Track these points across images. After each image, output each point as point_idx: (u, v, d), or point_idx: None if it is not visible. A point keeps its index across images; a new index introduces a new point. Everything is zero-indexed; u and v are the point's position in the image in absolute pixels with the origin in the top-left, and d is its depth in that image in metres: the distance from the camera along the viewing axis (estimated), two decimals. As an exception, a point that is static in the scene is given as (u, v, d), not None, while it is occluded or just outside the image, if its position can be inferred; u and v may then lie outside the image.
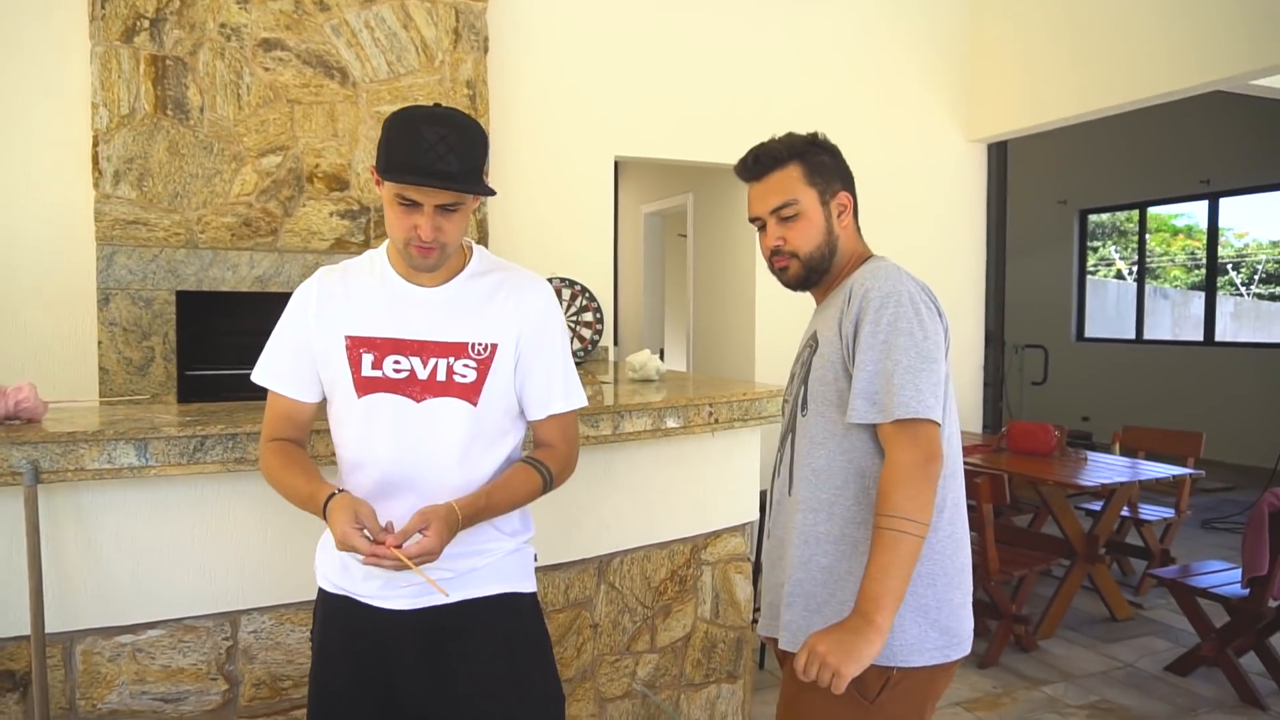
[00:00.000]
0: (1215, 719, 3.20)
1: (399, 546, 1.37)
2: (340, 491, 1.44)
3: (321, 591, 1.64)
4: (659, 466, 2.61)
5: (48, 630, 1.81)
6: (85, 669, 1.92)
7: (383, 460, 1.52)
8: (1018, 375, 7.95)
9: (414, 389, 1.50)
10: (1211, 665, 3.55)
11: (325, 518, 1.42)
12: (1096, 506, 4.55)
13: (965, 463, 4.04)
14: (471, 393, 1.51)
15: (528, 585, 1.65)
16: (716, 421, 2.61)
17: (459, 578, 1.53)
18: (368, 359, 1.50)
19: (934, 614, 1.47)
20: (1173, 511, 4.66)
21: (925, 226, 5.32)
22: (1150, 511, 4.74)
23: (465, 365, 1.51)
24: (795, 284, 1.65)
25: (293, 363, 1.56)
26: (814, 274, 1.62)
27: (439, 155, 1.38)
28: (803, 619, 1.53)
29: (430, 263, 1.48)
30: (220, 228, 3.52)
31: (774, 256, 1.63)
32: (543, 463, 1.57)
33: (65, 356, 3.23)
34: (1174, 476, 4.19)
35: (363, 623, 1.54)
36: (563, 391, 1.60)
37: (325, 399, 1.60)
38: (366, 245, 3.64)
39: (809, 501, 1.53)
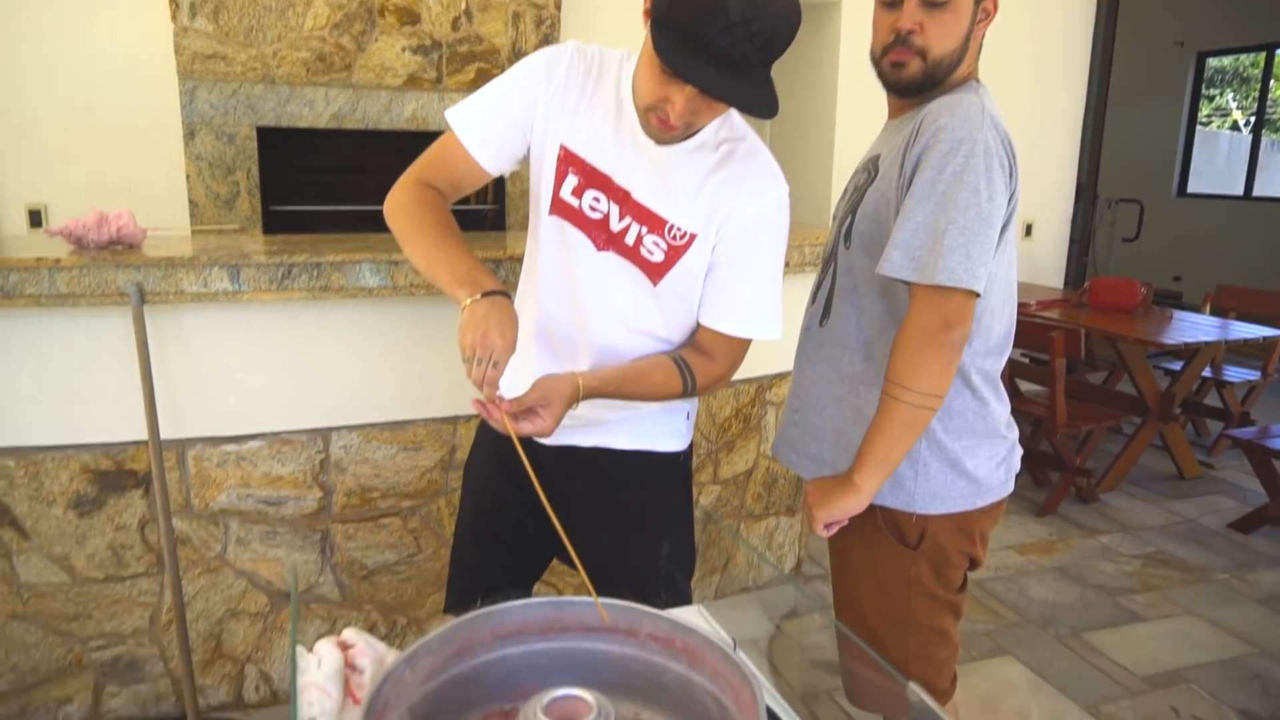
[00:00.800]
0: (1273, 575, 3.22)
1: (513, 417, 1.24)
2: (507, 294, 1.21)
3: None
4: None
5: (162, 437, 1.99)
6: (197, 472, 2.11)
7: (539, 291, 1.41)
8: (1108, 231, 7.59)
9: (600, 235, 1.35)
10: (1277, 524, 3.54)
11: (466, 306, 1.19)
12: (1177, 367, 4.44)
13: (1042, 317, 3.97)
14: (655, 273, 1.35)
15: (672, 444, 1.51)
16: (786, 266, 2.59)
17: (600, 428, 1.45)
18: (571, 182, 1.33)
19: (961, 465, 1.45)
20: (1258, 374, 4.52)
21: (1021, 65, 4.98)
22: (1234, 374, 4.60)
23: (656, 243, 1.33)
24: (906, 87, 1.40)
25: (498, 122, 1.35)
26: (930, 82, 1.38)
27: (735, 40, 1.10)
28: (831, 454, 1.51)
29: (665, 138, 1.28)
30: (296, 63, 3.51)
31: (896, 47, 1.37)
32: (690, 369, 1.37)
33: (156, 190, 3.35)
34: (1264, 338, 4.03)
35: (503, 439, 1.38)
36: (750, 315, 1.39)
37: (499, 175, 1.40)
38: (439, 83, 3.60)
39: (845, 338, 1.47)
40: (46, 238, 2.10)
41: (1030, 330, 3.59)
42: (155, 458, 1.84)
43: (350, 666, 1.08)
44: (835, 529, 1.47)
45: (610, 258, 1.35)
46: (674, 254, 1.33)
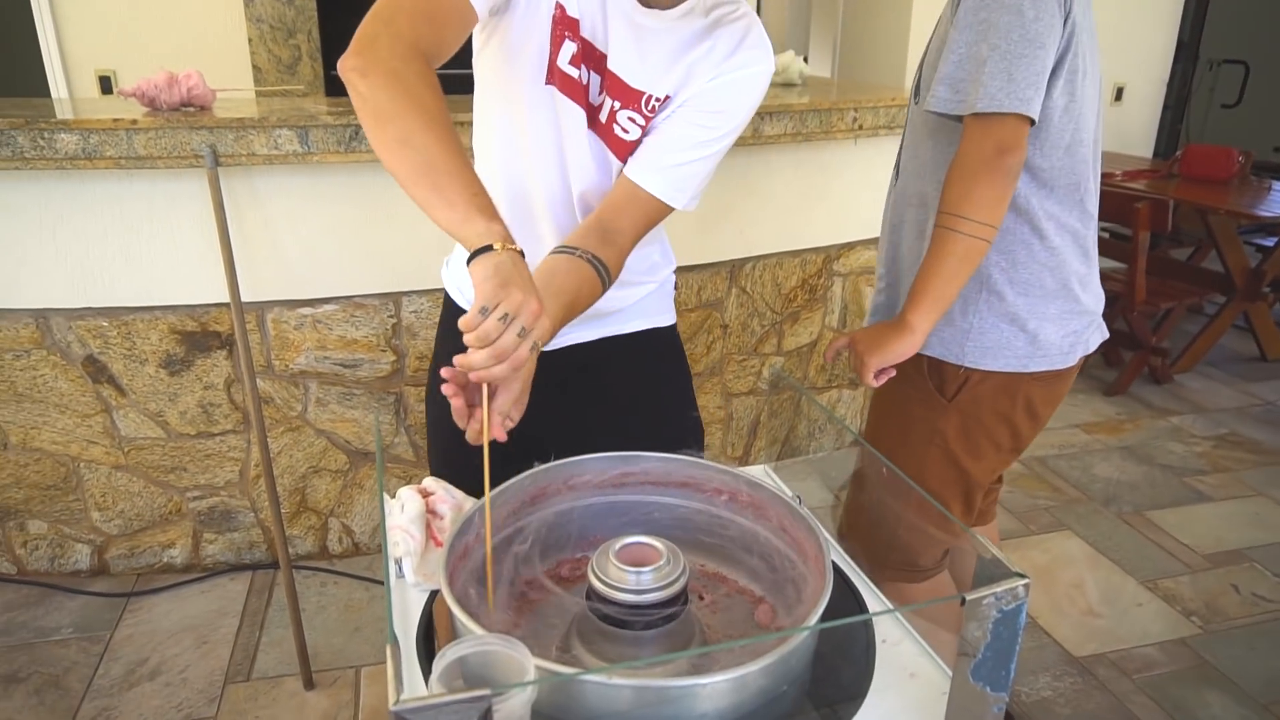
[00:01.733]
0: (1354, 457, 3.14)
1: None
2: (513, 248, 0.93)
3: (449, 301, 1.39)
4: (797, 174, 2.55)
5: (244, 300, 2.05)
6: (276, 334, 2.18)
7: (521, 170, 1.24)
8: (1206, 96, 7.07)
9: (591, 110, 1.20)
10: (1363, 407, 3.42)
11: (499, 251, 0.92)
12: (1270, 243, 4.20)
13: (1127, 188, 3.77)
14: (625, 151, 1.20)
15: (666, 318, 1.45)
16: (860, 128, 2.49)
17: (598, 320, 1.35)
18: (569, 49, 1.16)
19: (1022, 321, 1.39)
20: (1360, 251, 4.26)
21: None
22: (1333, 250, 4.34)
23: (631, 119, 1.18)
24: None
25: None
26: None
27: None
28: (900, 306, 1.46)
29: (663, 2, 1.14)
30: (351, -82, 3.40)
31: None
32: (605, 267, 1.17)
33: (220, 56, 3.34)
34: (1371, 212, 3.78)
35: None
36: (675, 178, 1.18)
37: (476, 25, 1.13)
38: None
39: (917, 195, 1.44)
40: (121, 100, 2.12)
41: (1114, 201, 3.41)
42: (237, 319, 1.91)
43: (431, 512, 1.13)
44: (885, 378, 1.42)
45: (594, 136, 1.19)
46: (649, 126, 1.19)
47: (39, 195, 1.96)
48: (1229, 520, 2.73)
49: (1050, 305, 1.41)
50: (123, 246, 2.04)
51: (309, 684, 1.97)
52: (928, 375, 1.44)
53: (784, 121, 2.35)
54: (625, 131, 1.18)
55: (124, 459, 2.24)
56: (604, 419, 1.37)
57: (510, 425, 1.02)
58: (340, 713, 1.90)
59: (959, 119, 1.31)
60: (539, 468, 1.13)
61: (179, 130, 1.87)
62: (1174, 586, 2.39)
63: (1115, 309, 3.76)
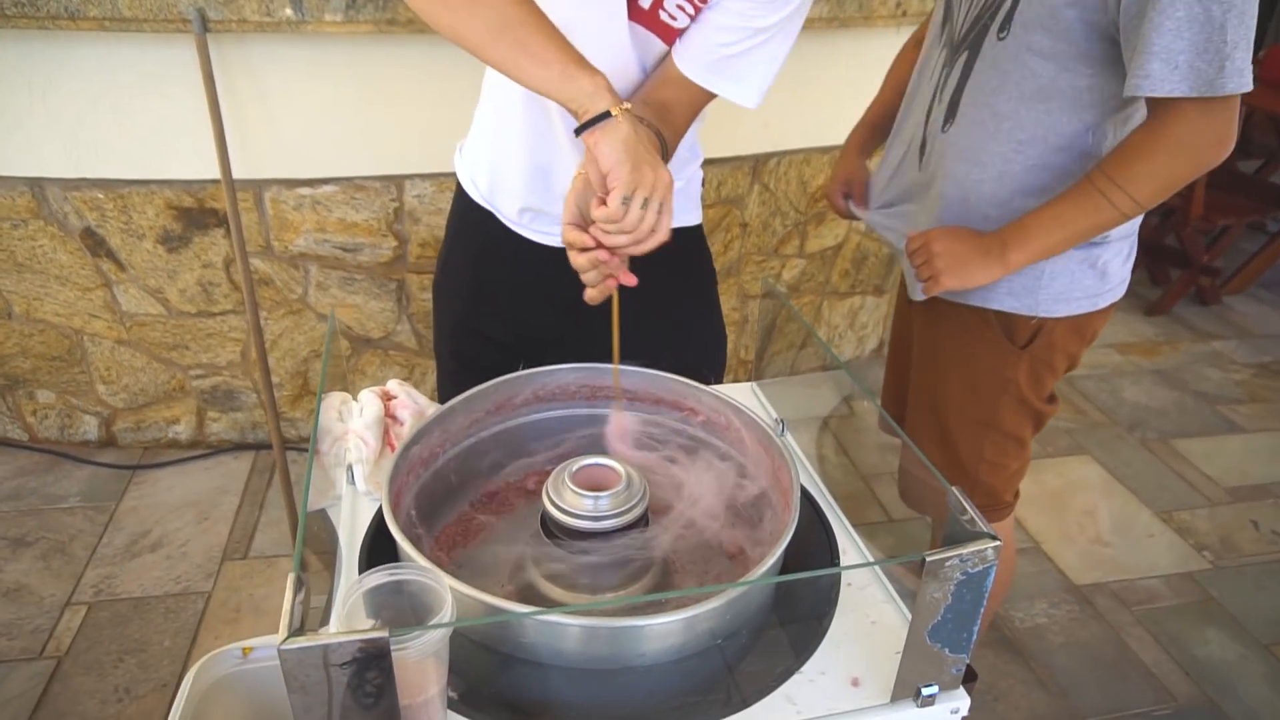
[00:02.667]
0: (1403, 393, 2.98)
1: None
2: (628, 108, 0.88)
3: (462, 193, 1.30)
4: (831, 62, 2.37)
5: (240, 177, 1.97)
6: (275, 214, 2.12)
7: (524, 95, 1.13)
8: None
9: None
10: None
11: (619, 116, 0.86)
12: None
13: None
14: (674, 38, 1.07)
15: (692, 216, 1.34)
16: (904, 15, 2.29)
17: None
18: None
19: (1095, 260, 1.29)
20: None
21: None
22: None
23: (680, 6, 1.05)
24: None
25: None
26: None
27: None
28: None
29: None
30: None
31: None
32: (665, 143, 1.08)
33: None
34: None
35: (501, 245, 1.26)
36: (728, 70, 1.07)
37: None
38: None
39: (976, 151, 1.24)
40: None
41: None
42: (229, 195, 1.84)
43: (391, 417, 1.08)
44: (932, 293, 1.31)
45: (633, 29, 1.06)
46: (699, 15, 1.06)
47: (25, 56, 1.87)
48: (1258, 453, 2.62)
49: (1124, 239, 1.31)
50: (115, 116, 1.96)
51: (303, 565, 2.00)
52: (995, 324, 1.33)
53: (820, 5, 2.15)
54: (674, 18, 1.06)
55: (126, 334, 2.23)
56: (623, 324, 1.30)
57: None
58: (332, 595, 1.93)
59: (1110, 88, 1.14)
60: (505, 377, 1.07)
61: (164, -9, 1.76)
62: (1190, 519, 2.32)
63: (1168, 224, 3.55)
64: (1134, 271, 1.38)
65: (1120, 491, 2.41)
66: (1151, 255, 3.55)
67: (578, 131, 0.87)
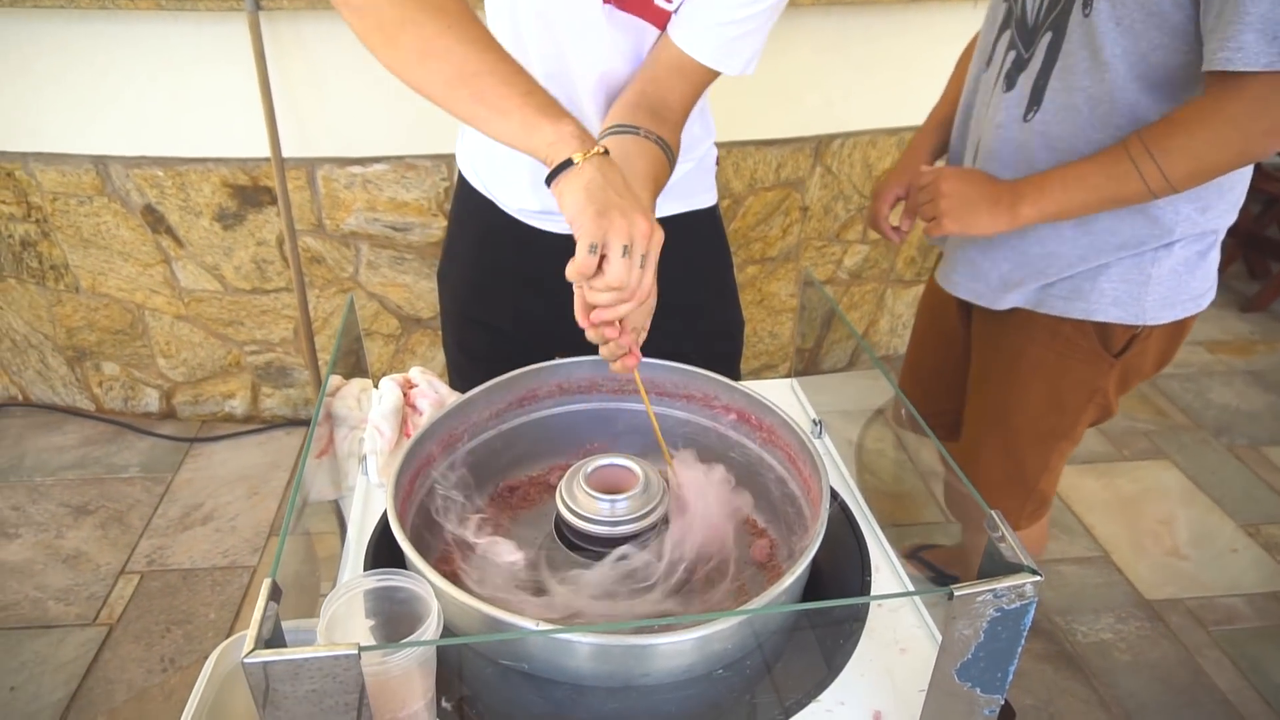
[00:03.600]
0: None
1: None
2: (596, 152, 0.78)
3: (463, 181, 1.25)
4: (901, 39, 2.25)
5: (292, 155, 1.98)
6: (327, 193, 2.12)
7: (535, 67, 1.04)
8: None
9: None
10: None
11: (585, 163, 0.77)
12: None
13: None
14: (666, 22, 0.99)
15: (706, 199, 1.26)
16: (980, -12, 2.16)
17: None
18: None
19: (1206, 255, 1.19)
20: None
21: None
22: None
23: None
24: None
25: None
26: None
27: None
28: (1027, 271, 1.23)
29: None
30: None
31: None
32: (669, 147, 1.00)
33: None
34: None
35: (504, 233, 1.20)
36: (726, 41, 0.97)
37: None
38: None
39: (1066, 139, 1.15)
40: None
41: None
42: (278, 172, 1.85)
43: (410, 406, 1.05)
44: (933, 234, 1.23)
45: (617, 16, 0.99)
46: None
47: (87, 35, 1.90)
48: (1360, 464, 2.42)
49: (1222, 228, 1.20)
50: (173, 94, 1.98)
51: (348, 544, 2.01)
52: (1093, 335, 1.24)
53: (889, -23, 2.04)
54: (669, 1, 0.97)
55: (184, 310, 2.26)
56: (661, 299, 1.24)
57: (643, 338, 0.91)
58: (374, 575, 1.94)
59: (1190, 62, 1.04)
60: (528, 368, 1.03)
61: (218, -32, 1.76)
62: (1277, 533, 2.15)
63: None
64: (1230, 264, 1.26)
65: (1202, 500, 2.25)
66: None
67: (547, 183, 0.78)
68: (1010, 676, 0.67)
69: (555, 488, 1.01)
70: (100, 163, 2.06)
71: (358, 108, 2.02)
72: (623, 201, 0.76)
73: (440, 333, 2.31)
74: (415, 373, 1.08)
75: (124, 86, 1.96)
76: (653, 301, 0.89)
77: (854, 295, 2.67)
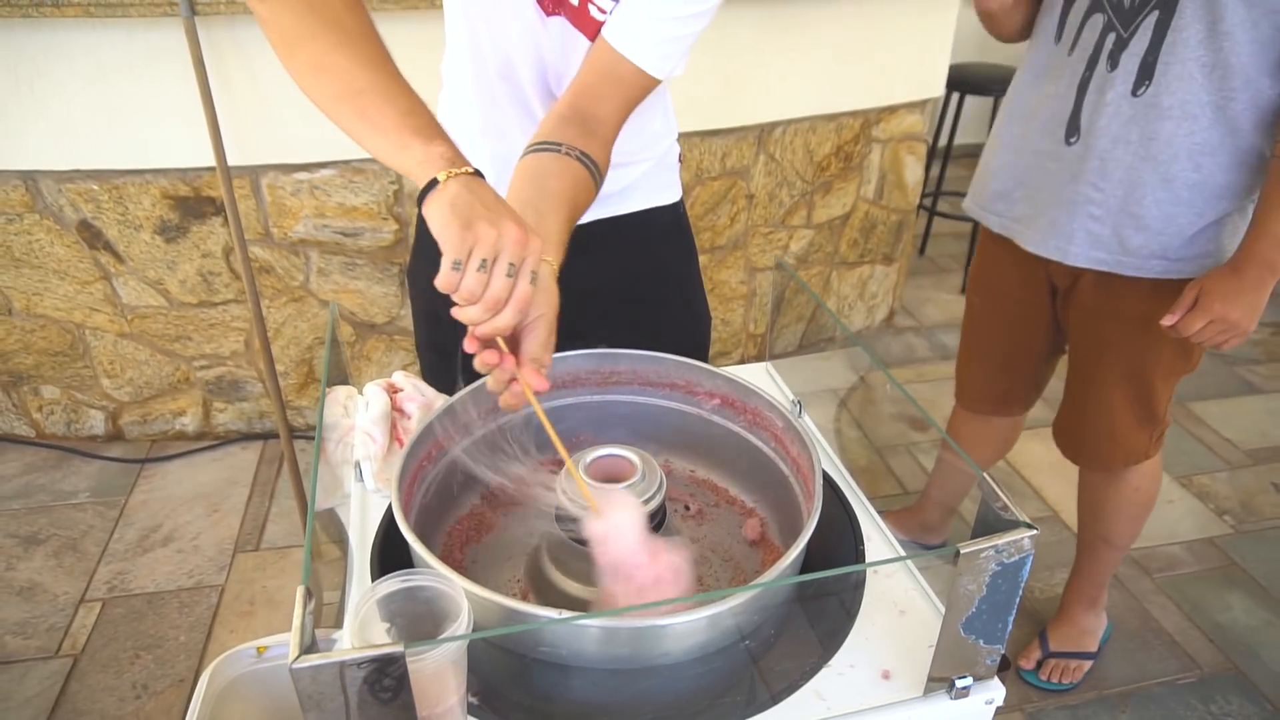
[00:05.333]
0: None
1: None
2: (463, 171, 0.77)
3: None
4: (837, 28, 2.31)
5: (235, 163, 1.93)
6: (273, 201, 2.08)
7: (474, 75, 1.08)
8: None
9: None
10: None
11: (449, 182, 0.75)
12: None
13: None
14: (595, 29, 1.01)
15: (670, 194, 1.28)
16: (910, -25, 2.23)
17: (599, 203, 1.16)
18: None
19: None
20: None
21: None
22: None
23: None
24: None
25: None
26: None
27: None
28: (1153, 241, 1.33)
29: None
30: None
31: None
32: (595, 164, 1.00)
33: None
34: None
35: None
36: (662, 46, 0.98)
37: None
38: None
39: (1181, 106, 1.26)
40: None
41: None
42: (224, 183, 1.81)
43: (398, 410, 1.05)
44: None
45: (555, 25, 1.01)
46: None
47: (10, 45, 1.83)
48: (1277, 414, 2.58)
49: None
50: (105, 105, 1.92)
51: (316, 555, 1.98)
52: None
53: (823, -33, 2.09)
54: (603, 11, 0.99)
55: (128, 327, 2.20)
56: (602, 310, 1.20)
57: (546, 369, 0.83)
58: (346, 584, 1.92)
59: None
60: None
61: (149, -27, 1.71)
62: (1209, 483, 2.29)
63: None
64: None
65: (1138, 457, 2.38)
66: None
67: (418, 204, 0.78)
68: (1009, 627, 0.71)
69: (545, 488, 1.04)
70: (29, 178, 1.99)
71: (301, 112, 1.97)
72: (489, 213, 0.74)
73: (395, 337, 2.30)
74: (399, 377, 1.08)
75: (52, 98, 1.89)
76: (545, 330, 0.82)
77: (793, 285, 2.73)
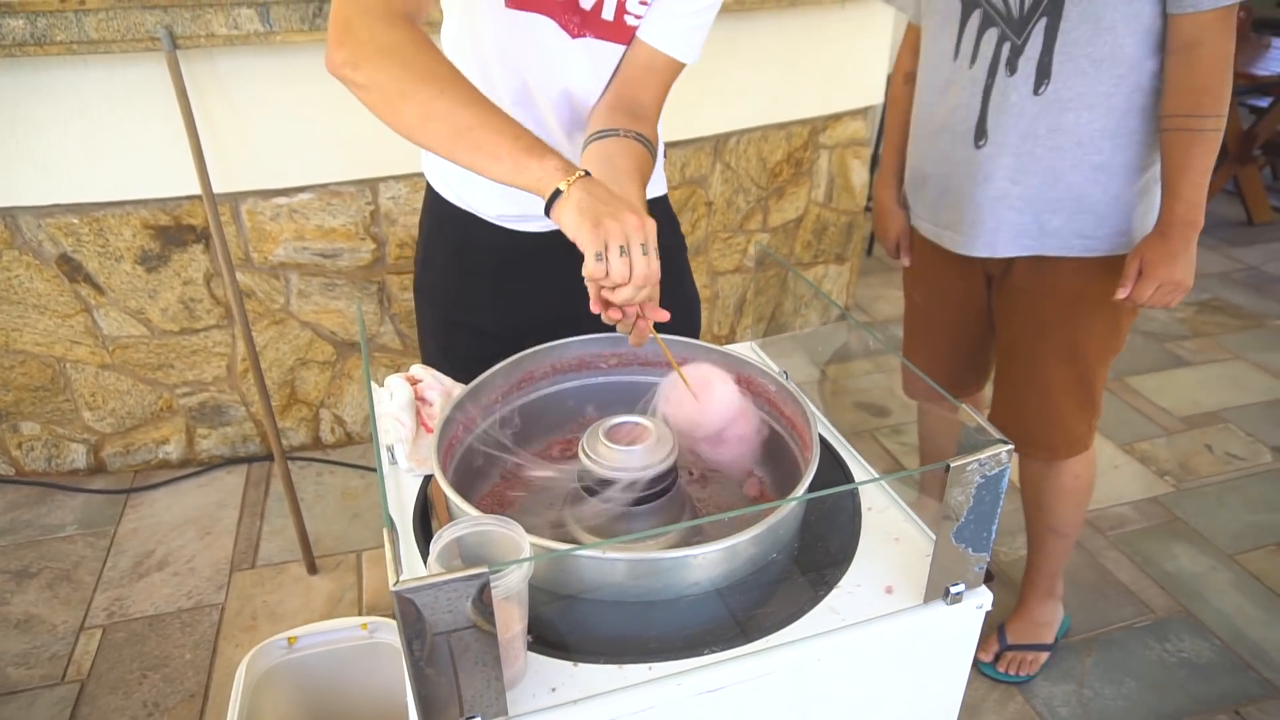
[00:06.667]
0: (1332, 317, 3.18)
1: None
2: (578, 175, 0.90)
3: (432, 190, 1.32)
4: (783, 42, 2.46)
5: (216, 191, 1.99)
6: (252, 226, 2.14)
7: (501, 94, 1.14)
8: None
9: (572, 19, 1.09)
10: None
11: (574, 184, 0.89)
12: (1265, 104, 4.12)
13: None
14: (630, 35, 1.12)
15: (658, 188, 1.36)
16: (848, -9, 2.39)
17: None
18: None
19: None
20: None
21: None
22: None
23: (641, 1, 1.10)
24: None
25: None
26: None
27: None
28: (1072, 222, 1.46)
29: None
30: None
31: None
32: (649, 142, 1.13)
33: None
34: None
35: (482, 238, 1.28)
36: (690, 35, 1.14)
37: None
38: None
39: (1079, 98, 1.39)
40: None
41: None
42: (210, 211, 1.86)
43: (420, 399, 1.14)
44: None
45: (586, 45, 1.11)
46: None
47: (-10, 86, 1.87)
48: (1206, 384, 2.78)
49: None
50: (86, 139, 1.96)
51: (312, 569, 2.03)
52: (1116, 268, 1.47)
53: (767, -15, 2.24)
54: (637, 17, 1.10)
55: (109, 358, 2.23)
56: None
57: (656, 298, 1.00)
58: (345, 594, 1.97)
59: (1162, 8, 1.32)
60: (523, 353, 1.13)
61: (131, 10, 1.77)
62: (1150, 449, 2.46)
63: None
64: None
65: (1084, 429, 2.55)
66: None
67: (546, 213, 0.91)
68: (993, 536, 0.82)
69: (558, 460, 1.13)
70: (8, 215, 2.02)
71: (279, 139, 2.06)
72: (609, 208, 0.88)
73: (376, 355, 2.36)
74: (417, 369, 1.16)
75: (33, 136, 1.93)
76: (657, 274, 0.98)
77: (759, 281, 2.87)
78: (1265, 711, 1.68)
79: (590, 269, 0.88)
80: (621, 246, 0.87)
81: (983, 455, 0.76)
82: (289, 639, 1.28)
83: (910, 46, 1.64)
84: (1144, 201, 1.45)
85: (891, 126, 1.70)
